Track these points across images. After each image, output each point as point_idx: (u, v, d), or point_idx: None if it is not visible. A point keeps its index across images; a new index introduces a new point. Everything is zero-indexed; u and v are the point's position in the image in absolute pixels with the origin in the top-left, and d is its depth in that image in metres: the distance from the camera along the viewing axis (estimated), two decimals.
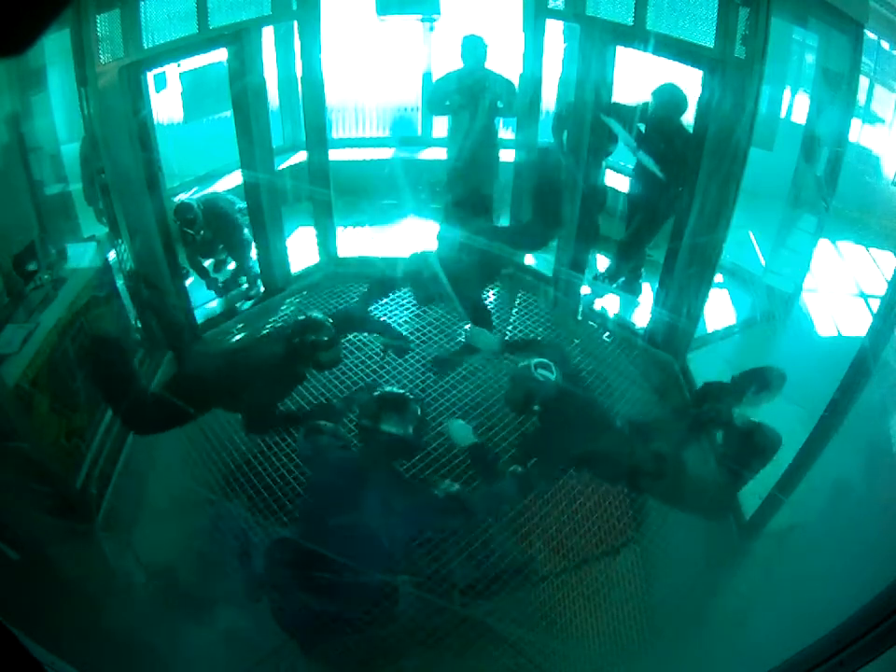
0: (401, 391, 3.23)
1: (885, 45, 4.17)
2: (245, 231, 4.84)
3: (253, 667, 3.12)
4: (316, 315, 3.79)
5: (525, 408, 3.49)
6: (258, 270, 4.99)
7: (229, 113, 4.67)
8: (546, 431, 3.48)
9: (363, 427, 3.09)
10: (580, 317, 4.93)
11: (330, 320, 3.75)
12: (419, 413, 3.11)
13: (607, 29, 4.11)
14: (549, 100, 5.25)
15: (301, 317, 3.77)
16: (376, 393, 3.20)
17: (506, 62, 4.92)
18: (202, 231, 4.67)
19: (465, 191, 5.03)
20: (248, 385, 3.65)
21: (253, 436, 3.85)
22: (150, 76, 4.40)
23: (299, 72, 4.80)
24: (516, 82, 4.91)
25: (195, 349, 4.22)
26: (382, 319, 4.58)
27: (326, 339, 3.66)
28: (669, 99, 4.31)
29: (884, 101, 4.41)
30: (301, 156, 5.51)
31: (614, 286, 5.02)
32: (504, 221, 5.37)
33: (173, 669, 3.10)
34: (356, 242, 5.53)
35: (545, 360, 3.46)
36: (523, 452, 3.59)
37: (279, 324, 4.77)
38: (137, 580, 3.38)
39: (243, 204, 4.82)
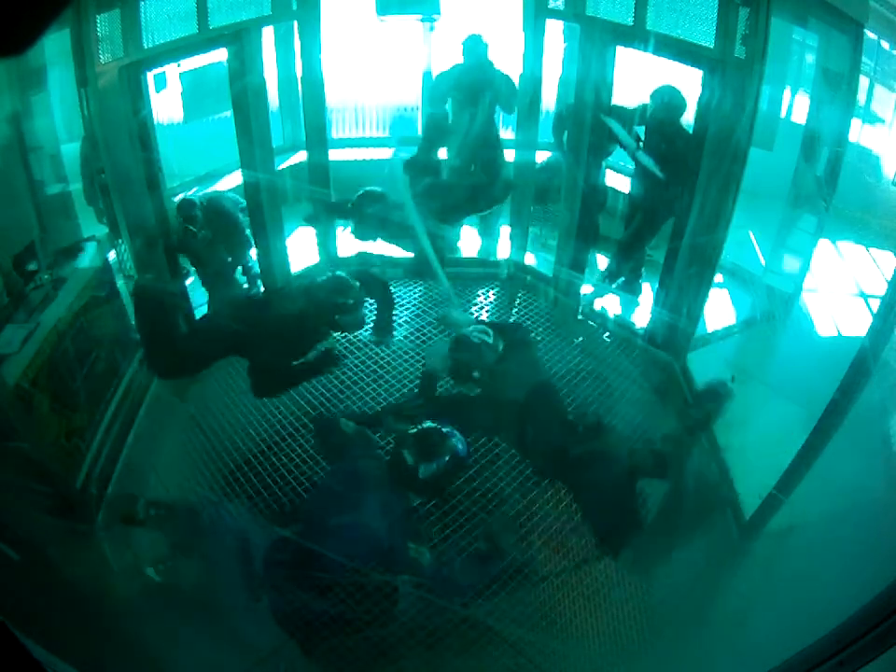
0: (447, 431, 3.02)
1: (885, 45, 4.17)
2: (247, 231, 4.83)
3: (253, 667, 3.12)
4: (344, 275, 3.70)
5: (464, 376, 3.39)
6: (258, 270, 4.99)
7: (229, 113, 4.67)
8: (486, 398, 3.37)
9: (398, 458, 2.97)
10: (580, 317, 4.93)
11: (357, 283, 3.68)
12: (459, 457, 2.95)
13: (607, 29, 4.11)
14: (549, 100, 5.26)
15: (331, 275, 3.69)
16: (427, 427, 3.02)
17: (506, 62, 4.91)
18: (202, 230, 4.66)
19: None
20: (265, 339, 3.63)
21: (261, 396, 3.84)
22: (150, 76, 4.40)
23: (299, 72, 4.81)
24: (516, 81, 4.91)
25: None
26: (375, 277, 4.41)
27: (351, 302, 3.60)
28: (669, 101, 4.32)
29: (884, 101, 4.41)
30: (301, 156, 5.51)
31: (614, 286, 5.02)
32: (504, 221, 5.37)
33: (173, 669, 3.09)
34: (356, 242, 5.52)
35: (483, 326, 3.40)
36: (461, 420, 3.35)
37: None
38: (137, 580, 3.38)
39: (245, 204, 4.81)
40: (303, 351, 3.84)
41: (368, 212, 4.25)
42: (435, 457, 2.89)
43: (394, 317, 4.39)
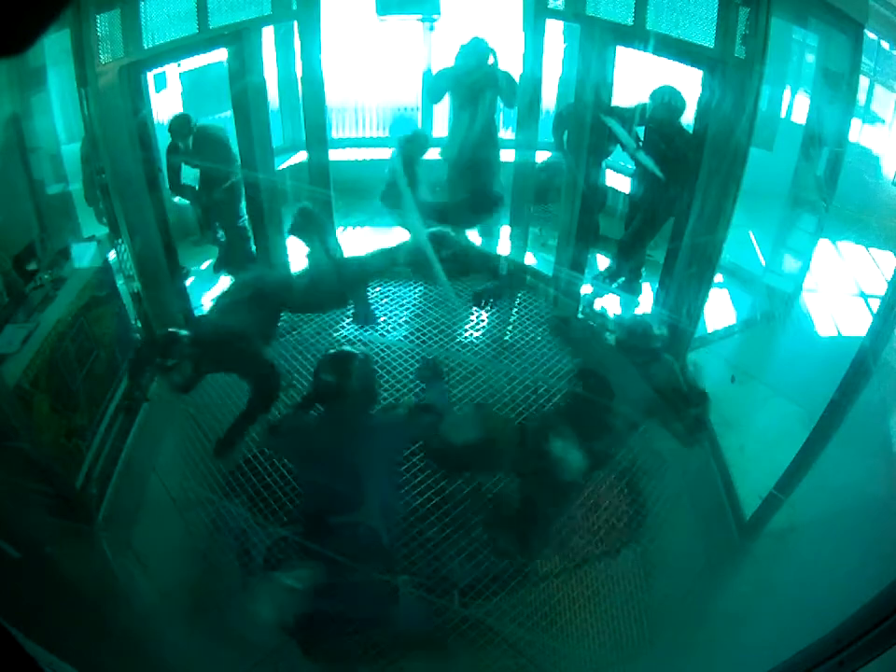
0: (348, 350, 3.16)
1: (885, 45, 4.17)
2: (237, 163, 4.69)
3: (253, 667, 3.12)
4: (174, 332, 3.25)
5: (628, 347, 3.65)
6: (247, 223, 4.96)
7: (229, 113, 4.67)
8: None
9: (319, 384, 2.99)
10: (580, 317, 4.93)
11: (185, 340, 3.24)
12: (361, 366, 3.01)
13: (607, 29, 4.11)
14: (549, 100, 5.26)
15: (162, 332, 3.37)
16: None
17: (506, 61, 4.91)
18: (190, 147, 4.66)
19: (468, 192, 5.00)
20: None
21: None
22: (150, 76, 4.40)
23: (299, 72, 4.80)
24: (516, 79, 4.90)
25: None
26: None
27: (172, 363, 3.19)
28: (669, 101, 4.32)
29: (884, 101, 4.41)
30: (301, 156, 5.51)
31: (614, 286, 5.02)
32: (504, 221, 5.37)
33: (173, 669, 3.10)
34: (355, 242, 5.52)
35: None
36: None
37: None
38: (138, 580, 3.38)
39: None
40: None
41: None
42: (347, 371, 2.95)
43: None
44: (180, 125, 4.63)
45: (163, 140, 4.82)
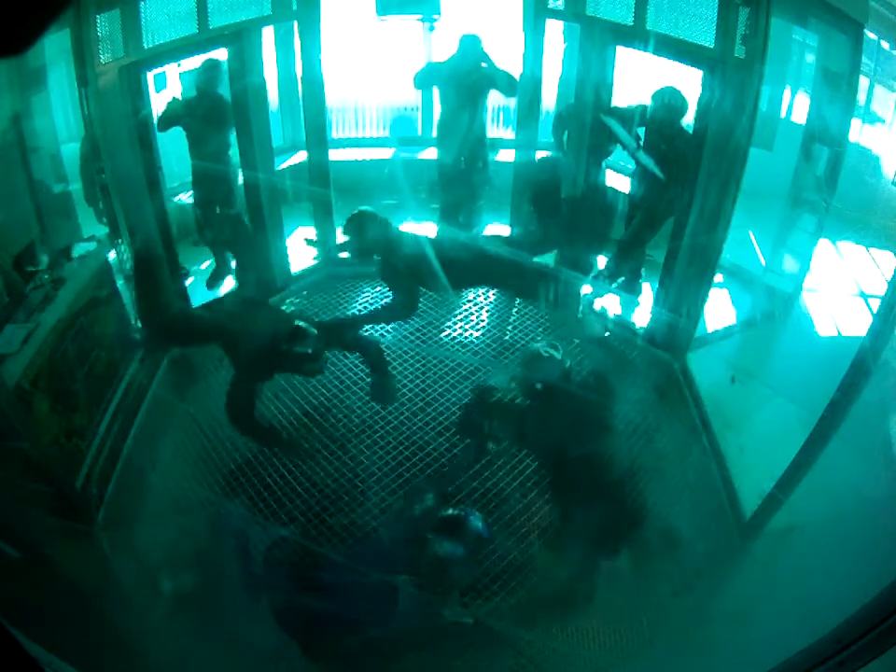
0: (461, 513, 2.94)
1: (885, 45, 4.17)
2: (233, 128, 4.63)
3: (253, 667, 3.12)
4: (303, 325, 3.58)
5: (530, 388, 3.39)
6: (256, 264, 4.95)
7: None
8: (539, 411, 3.36)
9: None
10: (579, 317, 4.93)
11: (315, 331, 3.58)
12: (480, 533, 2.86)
13: (607, 29, 4.12)
14: (549, 100, 5.25)
15: (293, 324, 3.59)
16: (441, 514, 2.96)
17: (506, 61, 4.91)
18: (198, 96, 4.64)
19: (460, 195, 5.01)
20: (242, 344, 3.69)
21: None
22: (150, 76, 4.39)
23: (299, 72, 4.81)
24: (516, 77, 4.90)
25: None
26: (367, 338, 4.35)
27: (311, 351, 3.52)
28: (669, 102, 4.31)
29: (884, 101, 4.41)
30: (301, 156, 5.51)
31: (614, 286, 5.02)
32: (504, 221, 5.37)
33: (172, 669, 3.09)
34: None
35: (553, 342, 3.50)
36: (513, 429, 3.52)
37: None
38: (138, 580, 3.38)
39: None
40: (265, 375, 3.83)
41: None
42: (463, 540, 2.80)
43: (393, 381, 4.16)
44: (212, 66, 4.52)
45: (163, 140, 4.80)
